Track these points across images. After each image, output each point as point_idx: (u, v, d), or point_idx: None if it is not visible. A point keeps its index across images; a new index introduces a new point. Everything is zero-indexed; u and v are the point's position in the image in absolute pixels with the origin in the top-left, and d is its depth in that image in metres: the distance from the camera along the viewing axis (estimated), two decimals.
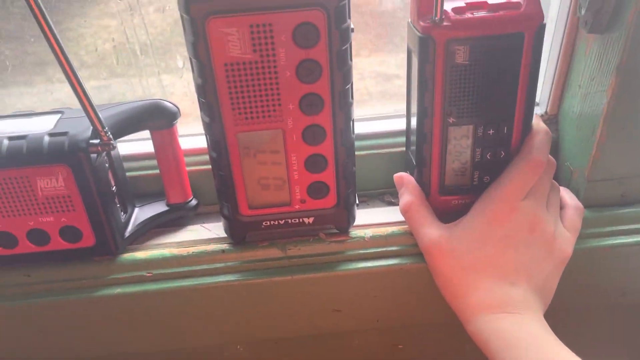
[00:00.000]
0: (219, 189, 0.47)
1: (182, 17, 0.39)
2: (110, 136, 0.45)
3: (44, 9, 0.37)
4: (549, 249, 0.46)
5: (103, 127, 0.44)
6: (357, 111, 0.46)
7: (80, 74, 0.41)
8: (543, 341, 0.42)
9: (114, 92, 0.58)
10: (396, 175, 0.51)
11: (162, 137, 0.49)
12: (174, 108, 0.49)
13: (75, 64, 0.40)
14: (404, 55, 0.49)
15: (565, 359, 0.40)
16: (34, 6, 0.37)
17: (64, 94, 0.58)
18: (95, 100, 0.43)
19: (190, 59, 0.41)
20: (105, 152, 0.46)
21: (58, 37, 0.39)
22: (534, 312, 0.44)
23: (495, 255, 0.45)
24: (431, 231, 0.47)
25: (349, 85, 0.43)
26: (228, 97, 0.42)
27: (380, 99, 0.61)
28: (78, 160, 0.44)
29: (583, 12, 0.44)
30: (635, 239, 0.50)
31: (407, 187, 0.49)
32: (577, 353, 0.40)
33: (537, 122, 0.48)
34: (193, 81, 0.42)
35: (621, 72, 0.44)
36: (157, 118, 0.49)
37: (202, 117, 0.44)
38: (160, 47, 0.55)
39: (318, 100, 0.43)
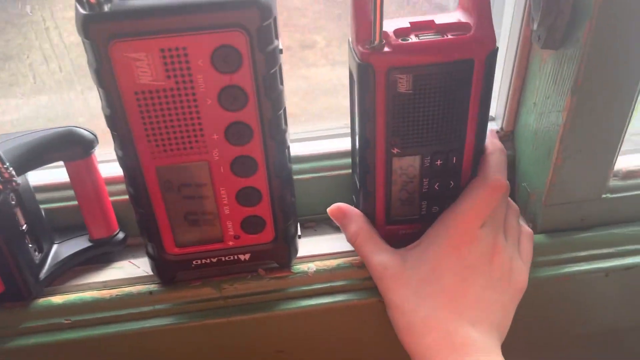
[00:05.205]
0: (140, 226, 0.42)
1: (83, 41, 0.34)
2: (13, 172, 0.39)
3: None
4: (506, 281, 0.43)
5: (3, 163, 0.39)
6: None
7: None
8: None
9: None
10: (331, 209, 0.46)
11: (78, 168, 0.44)
12: (91, 135, 0.44)
13: None
14: None
15: None
16: None
17: None
18: None
19: (97, 87, 0.36)
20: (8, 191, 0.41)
21: None
22: (495, 354, 0.40)
23: (453, 288, 0.41)
24: (382, 257, 0.43)
25: (281, 111, 0.39)
26: (142, 128, 0.37)
27: None
28: None
29: (535, 26, 0.40)
30: (595, 266, 0.47)
31: (351, 217, 0.45)
32: None
33: (492, 140, 0.45)
34: (102, 112, 0.37)
35: (576, 94, 0.40)
36: (70, 148, 0.43)
37: (115, 151, 0.39)
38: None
39: (245, 130, 0.38)
